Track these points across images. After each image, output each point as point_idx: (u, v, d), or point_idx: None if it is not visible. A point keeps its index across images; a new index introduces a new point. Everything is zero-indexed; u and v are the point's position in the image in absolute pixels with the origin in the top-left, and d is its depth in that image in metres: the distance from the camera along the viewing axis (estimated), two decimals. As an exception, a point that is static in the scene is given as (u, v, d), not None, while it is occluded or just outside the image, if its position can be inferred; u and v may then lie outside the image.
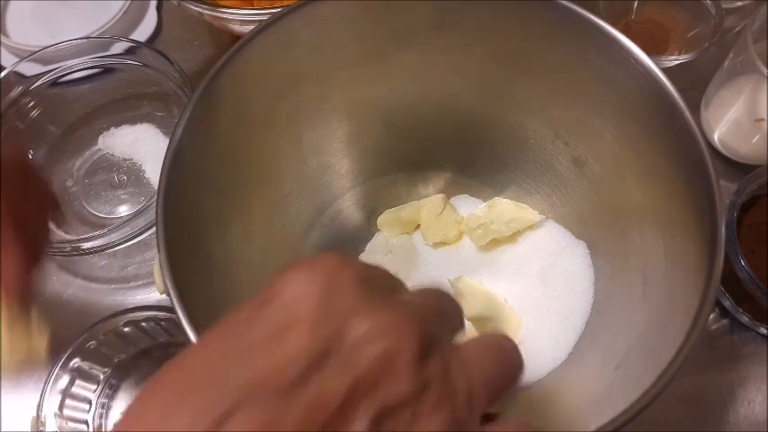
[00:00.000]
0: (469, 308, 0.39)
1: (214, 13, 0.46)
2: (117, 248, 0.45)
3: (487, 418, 0.19)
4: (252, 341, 0.16)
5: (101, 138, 0.52)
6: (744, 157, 0.48)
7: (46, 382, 0.39)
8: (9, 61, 0.54)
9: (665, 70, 0.31)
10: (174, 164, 0.30)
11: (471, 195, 0.45)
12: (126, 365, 0.43)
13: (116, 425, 0.16)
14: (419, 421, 0.16)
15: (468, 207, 0.44)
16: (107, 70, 0.52)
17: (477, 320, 0.39)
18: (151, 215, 0.44)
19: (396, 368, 0.16)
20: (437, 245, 0.42)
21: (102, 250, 0.44)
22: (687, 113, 0.30)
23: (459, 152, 0.43)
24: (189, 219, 0.31)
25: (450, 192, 0.44)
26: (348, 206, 0.44)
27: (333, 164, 0.42)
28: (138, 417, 0.16)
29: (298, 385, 0.15)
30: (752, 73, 0.43)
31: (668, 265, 0.32)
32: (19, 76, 0.50)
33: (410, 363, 0.16)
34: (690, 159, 0.30)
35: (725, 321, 0.44)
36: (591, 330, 0.38)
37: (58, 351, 0.41)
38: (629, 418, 0.25)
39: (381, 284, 0.19)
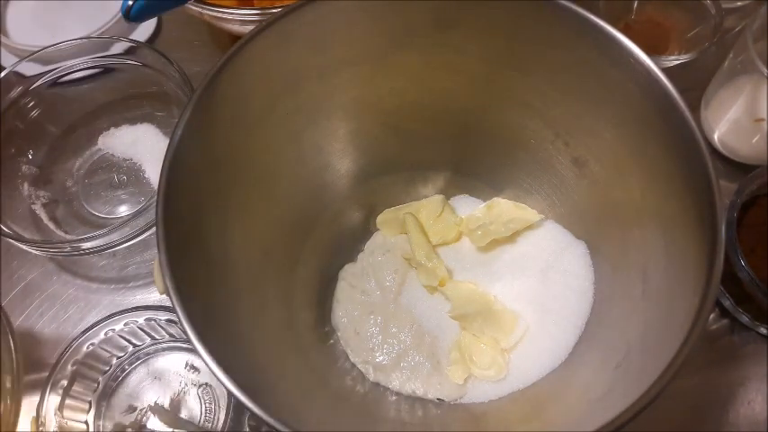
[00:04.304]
0: (453, 308, 0.39)
1: (214, 13, 0.46)
2: (117, 248, 0.45)
3: None
4: None
5: (101, 138, 0.52)
6: (744, 157, 0.48)
7: (46, 382, 0.39)
8: (9, 61, 0.54)
9: (665, 70, 0.31)
10: (173, 164, 0.30)
11: (471, 195, 0.45)
12: (126, 365, 0.44)
13: None
14: None
15: (468, 207, 0.44)
16: (107, 70, 0.52)
17: (462, 320, 0.39)
18: (151, 215, 0.44)
19: None
20: (436, 245, 0.42)
21: (102, 250, 0.44)
22: (687, 113, 0.30)
23: (458, 152, 0.43)
24: (189, 219, 0.31)
25: (449, 191, 0.45)
26: (348, 206, 0.44)
27: (332, 164, 0.42)
28: None
29: None
30: (752, 73, 0.43)
31: (668, 264, 0.32)
32: (19, 76, 0.50)
33: None
34: (690, 159, 0.30)
35: (725, 321, 0.44)
36: (591, 330, 0.38)
37: (57, 351, 0.41)
38: (629, 418, 0.25)
39: None
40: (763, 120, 0.45)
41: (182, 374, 0.43)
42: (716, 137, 0.49)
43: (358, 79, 0.38)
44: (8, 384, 0.37)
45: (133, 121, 0.53)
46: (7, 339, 0.37)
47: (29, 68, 0.50)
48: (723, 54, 0.47)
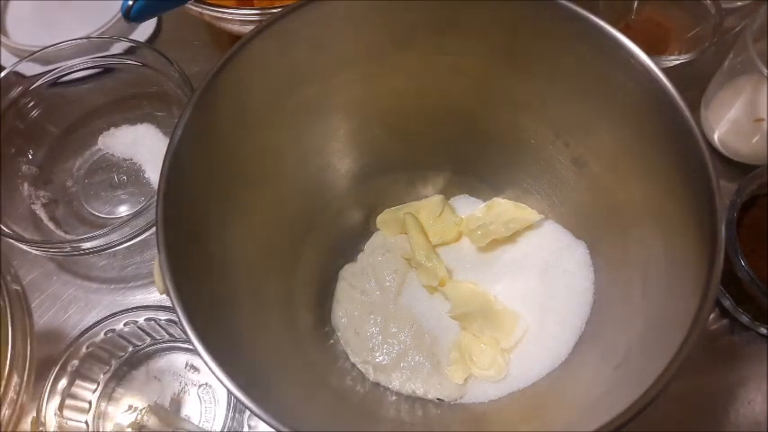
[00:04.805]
0: (453, 308, 0.39)
1: (214, 13, 0.46)
2: (117, 248, 0.45)
3: None
4: None
5: (101, 138, 0.52)
6: (744, 157, 0.48)
7: (46, 383, 0.39)
8: (9, 61, 0.54)
9: (665, 70, 0.31)
10: (174, 164, 0.30)
11: (471, 195, 0.45)
12: (126, 365, 0.44)
13: None
14: None
15: (468, 207, 0.44)
16: (107, 70, 0.52)
17: (462, 319, 0.39)
18: (151, 215, 0.44)
19: None
20: (436, 245, 0.42)
21: (102, 250, 0.44)
22: (687, 113, 0.30)
23: (458, 152, 0.43)
24: (189, 219, 0.31)
25: (449, 191, 0.45)
26: (348, 206, 0.44)
27: (333, 164, 0.42)
28: None
29: None
30: (752, 73, 0.43)
31: (668, 264, 0.32)
32: (19, 76, 0.50)
33: None
34: (690, 159, 0.30)
35: (725, 321, 0.44)
36: (591, 330, 0.38)
37: (57, 351, 0.41)
38: (629, 418, 0.25)
39: None
40: (763, 120, 0.45)
41: (181, 374, 0.43)
42: (716, 137, 0.49)
43: (358, 79, 0.38)
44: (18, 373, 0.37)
45: (133, 121, 0.53)
46: (23, 320, 0.37)
47: (29, 68, 0.50)
48: (723, 54, 0.47)
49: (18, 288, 0.38)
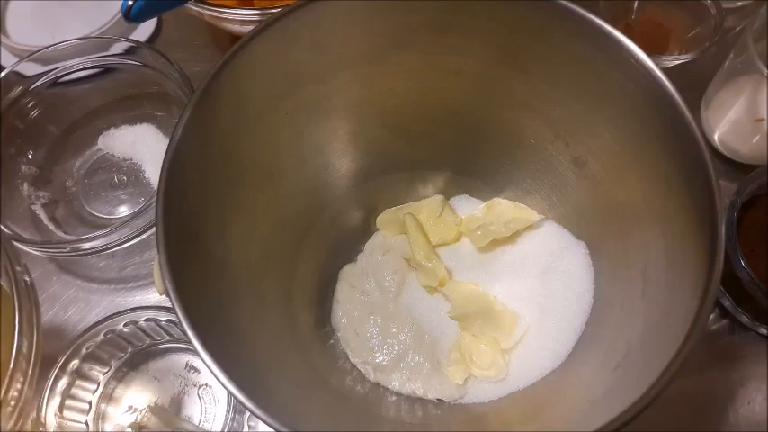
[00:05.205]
0: (453, 308, 0.39)
1: (214, 13, 0.46)
2: (117, 249, 0.45)
3: None
4: None
5: (101, 138, 0.52)
6: (744, 157, 0.48)
7: (46, 383, 0.39)
8: (9, 61, 0.54)
9: (665, 70, 0.31)
10: (173, 164, 0.30)
11: (471, 195, 0.45)
12: (126, 366, 0.43)
13: None
14: None
15: (468, 207, 0.44)
16: (107, 70, 0.52)
17: (462, 320, 0.39)
18: (151, 215, 0.44)
19: None
20: (436, 245, 0.42)
21: (102, 251, 0.44)
22: (687, 113, 0.30)
23: (458, 152, 0.43)
24: (189, 219, 0.31)
25: (449, 191, 0.45)
26: (348, 206, 0.44)
27: (333, 164, 0.42)
28: None
29: None
30: (752, 73, 0.43)
31: (668, 264, 0.32)
32: (19, 76, 0.50)
33: None
34: (690, 159, 0.30)
35: (725, 321, 0.44)
36: (591, 330, 0.38)
37: (57, 351, 0.41)
38: (630, 417, 0.25)
39: None
40: (763, 120, 0.45)
41: (181, 375, 0.43)
42: (716, 137, 0.49)
43: (358, 79, 0.38)
44: (25, 367, 0.36)
45: (133, 121, 0.53)
46: (31, 312, 0.37)
47: (29, 68, 0.50)
48: (723, 54, 0.47)
49: (27, 279, 0.38)
